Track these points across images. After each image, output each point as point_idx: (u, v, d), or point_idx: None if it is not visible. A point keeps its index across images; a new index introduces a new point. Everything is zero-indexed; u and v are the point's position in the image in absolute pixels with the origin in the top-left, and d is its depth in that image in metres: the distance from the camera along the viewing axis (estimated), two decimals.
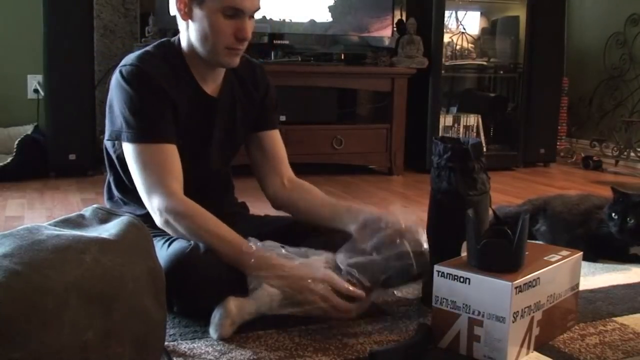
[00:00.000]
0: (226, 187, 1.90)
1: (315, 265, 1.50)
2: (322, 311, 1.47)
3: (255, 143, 1.84)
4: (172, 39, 1.71)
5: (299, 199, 1.79)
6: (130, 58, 1.64)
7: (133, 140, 1.58)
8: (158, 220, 1.56)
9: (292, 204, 1.80)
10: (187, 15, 1.61)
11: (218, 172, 1.82)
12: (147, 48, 1.68)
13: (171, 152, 1.60)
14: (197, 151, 1.71)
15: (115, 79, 1.62)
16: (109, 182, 1.77)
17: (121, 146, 1.62)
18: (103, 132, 1.72)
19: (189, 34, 1.64)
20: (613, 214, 2.13)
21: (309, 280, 1.45)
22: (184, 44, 1.67)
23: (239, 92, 1.78)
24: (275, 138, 1.85)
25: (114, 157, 1.70)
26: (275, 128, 1.86)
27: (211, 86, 1.72)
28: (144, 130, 1.58)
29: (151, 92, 1.59)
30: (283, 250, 1.54)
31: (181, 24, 1.65)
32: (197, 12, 1.59)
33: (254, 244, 1.52)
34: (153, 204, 1.56)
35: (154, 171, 1.57)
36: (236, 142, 1.83)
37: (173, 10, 1.66)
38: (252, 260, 1.49)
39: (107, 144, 1.70)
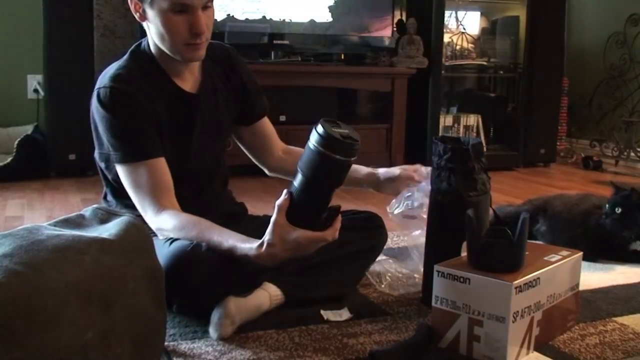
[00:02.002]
0: (222, 181, 1.88)
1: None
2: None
3: (250, 133, 1.86)
4: (142, 42, 1.69)
5: (293, 164, 1.70)
6: (105, 79, 1.61)
7: (120, 161, 1.60)
8: (158, 235, 1.59)
9: (289, 170, 1.77)
10: (143, 17, 1.60)
11: (211, 166, 1.81)
12: (120, 62, 1.66)
13: (159, 167, 1.60)
14: (185, 150, 1.70)
15: (94, 102, 1.61)
16: (105, 193, 1.78)
17: (114, 165, 1.64)
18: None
19: (151, 34, 1.63)
20: (606, 205, 2.21)
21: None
22: (152, 45, 1.66)
23: (218, 80, 1.76)
24: (266, 122, 1.88)
25: (106, 172, 1.71)
26: (266, 111, 1.87)
27: (189, 81, 1.70)
28: (129, 152, 1.59)
29: (130, 112, 1.59)
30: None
31: (144, 25, 1.64)
32: (150, 12, 1.57)
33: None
34: (148, 221, 1.58)
35: (144, 188, 1.59)
36: (223, 130, 1.81)
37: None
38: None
39: (98, 161, 1.71)
